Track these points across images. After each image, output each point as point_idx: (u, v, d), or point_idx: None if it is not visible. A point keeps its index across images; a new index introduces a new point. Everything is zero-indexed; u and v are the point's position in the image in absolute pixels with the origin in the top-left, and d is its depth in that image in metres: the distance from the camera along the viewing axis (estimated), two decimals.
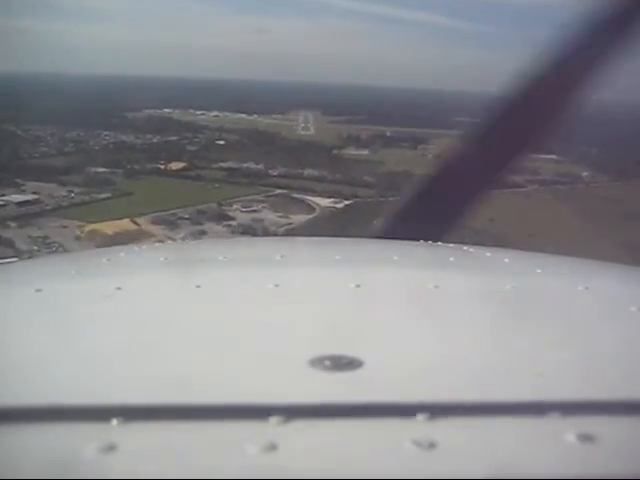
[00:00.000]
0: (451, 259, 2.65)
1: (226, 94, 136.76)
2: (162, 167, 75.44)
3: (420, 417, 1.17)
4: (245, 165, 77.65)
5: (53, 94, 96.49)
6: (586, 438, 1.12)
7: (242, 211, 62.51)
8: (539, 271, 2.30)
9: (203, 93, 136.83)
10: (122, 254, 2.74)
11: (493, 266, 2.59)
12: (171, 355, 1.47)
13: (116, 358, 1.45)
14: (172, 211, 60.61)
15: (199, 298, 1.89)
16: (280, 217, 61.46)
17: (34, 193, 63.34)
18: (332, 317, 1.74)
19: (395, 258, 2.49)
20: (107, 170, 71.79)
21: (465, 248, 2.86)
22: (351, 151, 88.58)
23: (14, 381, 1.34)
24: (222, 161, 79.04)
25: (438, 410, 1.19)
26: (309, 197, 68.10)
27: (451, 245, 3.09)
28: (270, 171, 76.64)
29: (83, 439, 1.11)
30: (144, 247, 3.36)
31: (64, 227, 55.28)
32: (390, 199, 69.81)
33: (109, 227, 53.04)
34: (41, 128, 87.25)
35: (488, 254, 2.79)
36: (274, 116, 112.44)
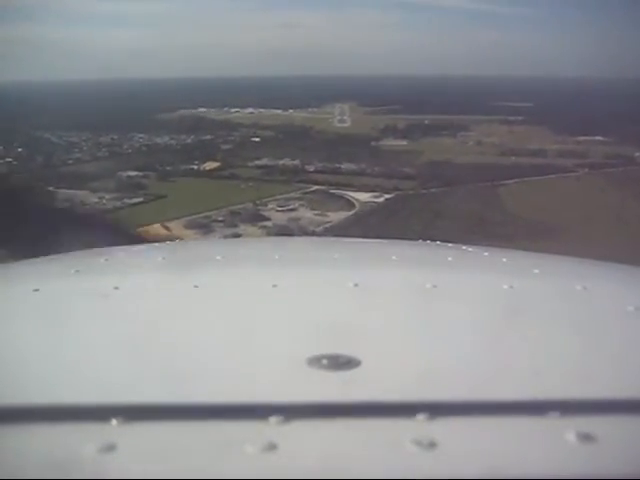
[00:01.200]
0: (449, 259, 2.59)
1: (260, 91, 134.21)
2: (196, 168, 72.14)
3: (420, 417, 1.16)
4: (281, 162, 74.01)
5: (88, 100, 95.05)
6: (586, 438, 1.11)
7: (278, 210, 58.72)
8: (537, 271, 2.24)
9: (237, 91, 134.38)
10: (120, 254, 2.71)
11: (491, 266, 2.54)
12: (170, 355, 1.47)
13: (115, 358, 1.46)
14: (206, 213, 57.26)
15: (197, 298, 1.87)
16: (318, 215, 57.58)
17: (66, 201, 60.47)
18: (330, 316, 1.73)
19: (393, 258, 2.46)
20: (140, 174, 68.84)
21: (464, 248, 2.85)
22: (389, 142, 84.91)
23: (13, 381, 1.34)
24: (257, 159, 75.60)
25: (438, 410, 1.18)
26: (348, 192, 63.99)
27: (450, 245, 3.04)
28: (307, 167, 72.85)
29: (83, 439, 1.10)
30: (142, 247, 3.10)
31: None
32: (432, 190, 66.45)
33: (140, 234, 49.56)
34: (76, 134, 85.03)
35: (486, 254, 2.75)
36: (309, 110, 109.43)
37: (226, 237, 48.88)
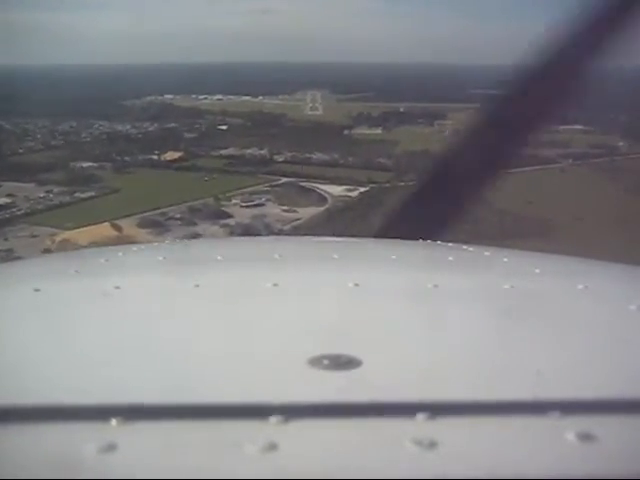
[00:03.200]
0: (450, 258, 2.57)
1: (231, 77, 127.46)
2: (156, 158, 65.08)
3: (420, 417, 1.15)
4: (248, 151, 67.39)
5: (49, 85, 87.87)
6: (586, 438, 1.10)
7: (242, 206, 52.18)
8: (538, 270, 2.22)
9: (207, 77, 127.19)
10: (121, 253, 2.67)
11: (492, 265, 2.52)
12: (170, 355, 1.45)
13: (115, 358, 1.44)
14: (162, 210, 50.60)
15: (198, 298, 1.85)
16: (286, 211, 51.19)
17: (8, 196, 53.23)
18: (331, 316, 1.72)
19: (394, 257, 2.44)
20: (94, 164, 61.82)
21: (464, 247, 2.84)
22: (363, 130, 79.10)
23: (13, 381, 1.32)
24: (223, 148, 68.97)
25: (438, 409, 1.17)
26: (319, 185, 57.50)
27: (450, 244, 3.04)
28: (276, 157, 66.27)
29: (83, 439, 1.08)
30: (143, 246, 3.05)
31: (34, 237, 45.63)
32: (410, 183, 59.95)
33: (84, 235, 42.81)
34: (32, 121, 77.77)
35: (487, 253, 2.74)
36: (281, 97, 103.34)
37: (183, 238, 42.28)
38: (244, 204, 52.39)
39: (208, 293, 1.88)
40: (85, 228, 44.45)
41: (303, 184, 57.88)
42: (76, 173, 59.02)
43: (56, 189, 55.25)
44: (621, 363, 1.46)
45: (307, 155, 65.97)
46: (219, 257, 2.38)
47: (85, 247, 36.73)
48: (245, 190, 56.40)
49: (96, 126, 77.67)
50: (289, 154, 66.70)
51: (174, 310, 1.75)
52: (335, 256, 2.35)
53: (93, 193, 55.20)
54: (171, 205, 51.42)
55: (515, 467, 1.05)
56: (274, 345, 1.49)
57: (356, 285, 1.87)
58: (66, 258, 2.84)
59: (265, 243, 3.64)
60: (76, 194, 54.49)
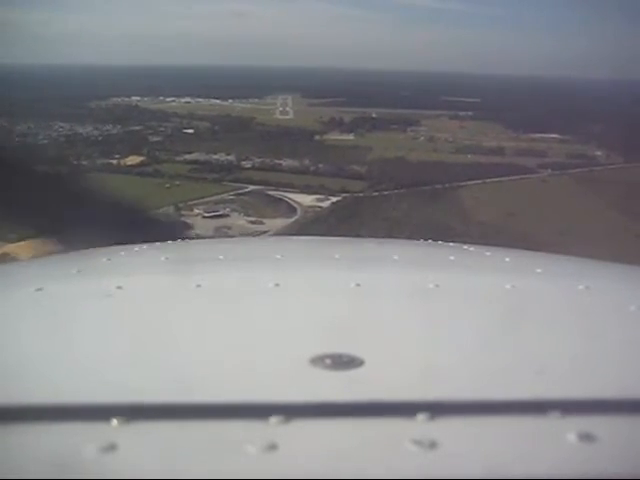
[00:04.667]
0: (451, 258, 2.53)
1: (201, 80, 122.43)
2: (115, 162, 59.75)
3: (420, 417, 1.14)
4: (214, 157, 62.66)
5: (8, 85, 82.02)
6: (586, 438, 1.09)
7: (205, 216, 47.13)
8: (539, 270, 2.19)
9: (177, 80, 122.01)
10: (123, 253, 2.62)
11: (493, 265, 2.48)
12: (171, 355, 1.44)
13: (116, 358, 1.43)
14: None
15: (199, 298, 1.83)
16: (252, 223, 46.30)
17: None
18: (332, 316, 1.69)
19: (395, 257, 2.40)
20: (47, 169, 56.12)
21: (465, 247, 2.81)
22: (335, 136, 75.18)
23: (15, 380, 1.31)
24: (188, 153, 64.06)
25: (438, 410, 1.16)
26: (288, 194, 52.79)
27: (451, 244, 3.00)
28: (243, 163, 61.60)
29: (83, 439, 1.08)
30: (145, 246, 2.89)
31: None
32: (385, 193, 55.93)
33: (25, 248, 37.21)
34: None
35: (488, 253, 2.69)
36: (251, 100, 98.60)
37: None
38: (207, 214, 47.51)
39: (209, 293, 1.85)
40: (28, 241, 39.24)
41: (271, 193, 53.38)
42: None
43: None
44: (621, 363, 1.44)
45: (276, 161, 61.55)
46: (221, 257, 2.36)
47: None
48: (209, 199, 51.59)
49: (56, 128, 72.11)
50: (257, 160, 62.19)
51: (176, 310, 1.72)
52: (336, 256, 2.33)
53: None
54: None
55: (516, 467, 1.03)
56: (275, 345, 1.47)
57: (357, 285, 1.84)
58: (68, 258, 2.75)
59: (266, 243, 3.67)
60: None
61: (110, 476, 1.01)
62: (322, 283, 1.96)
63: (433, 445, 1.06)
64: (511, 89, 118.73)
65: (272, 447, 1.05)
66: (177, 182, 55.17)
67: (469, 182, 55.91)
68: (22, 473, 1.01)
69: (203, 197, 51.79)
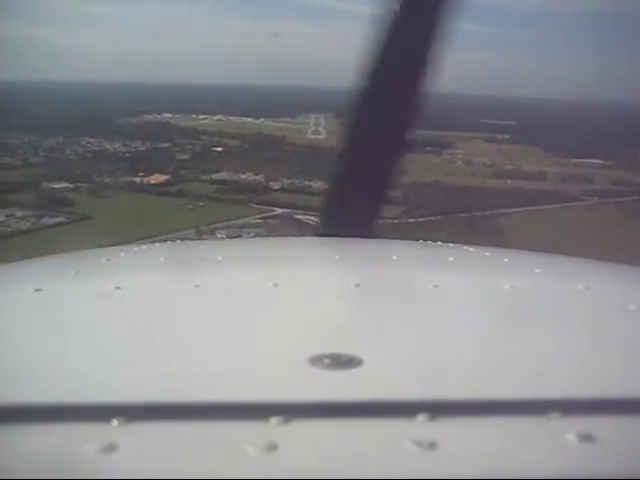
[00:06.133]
0: (450, 259, 2.50)
1: (234, 99, 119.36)
2: (139, 181, 56.15)
3: (420, 417, 1.13)
4: (242, 176, 58.76)
5: (41, 101, 79.81)
6: (586, 438, 1.08)
7: None
8: (538, 271, 2.16)
9: (210, 98, 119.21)
10: (122, 254, 2.58)
11: (493, 266, 2.44)
12: (171, 355, 1.43)
13: (116, 358, 1.42)
14: (132, 244, 41.32)
15: (198, 298, 1.82)
16: None
17: None
18: (332, 316, 1.69)
19: (394, 257, 2.38)
20: (70, 185, 52.88)
21: (465, 247, 2.73)
22: None
23: (14, 381, 1.30)
24: (215, 172, 60.24)
25: (438, 410, 1.15)
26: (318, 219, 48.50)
27: (451, 245, 2.93)
28: (271, 184, 57.48)
29: (83, 439, 1.07)
30: (144, 247, 2.90)
31: None
32: (421, 220, 51.85)
33: None
34: (17, 135, 69.33)
35: (487, 254, 2.64)
36: (282, 119, 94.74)
37: None
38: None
39: (208, 293, 1.83)
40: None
41: (299, 217, 49.12)
42: (48, 194, 50.33)
43: (19, 213, 46.45)
44: (621, 363, 1.42)
45: (306, 183, 57.40)
46: (219, 257, 2.31)
47: None
48: (234, 222, 47.70)
49: (83, 143, 69.18)
50: (287, 181, 58.26)
51: (174, 310, 1.71)
52: (336, 256, 2.31)
53: (62, 219, 46.48)
54: (144, 238, 42.69)
55: (515, 467, 1.02)
56: (275, 344, 1.46)
57: (357, 285, 1.83)
58: (67, 258, 2.68)
59: (265, 243, 3.65)
60: (45, 219, 45.72)
61: (110, 476, 0.99)
62: (321, 283, 1.91)
63: (433, 445, 1.04)
64: (547, 112, 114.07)
65: (272, 447, 1.03)
66: (201, 203, 51.46)
67: (510, 210, 51.48)
68: (22, 473, 1.00)
69: (228, 220, 47.98)
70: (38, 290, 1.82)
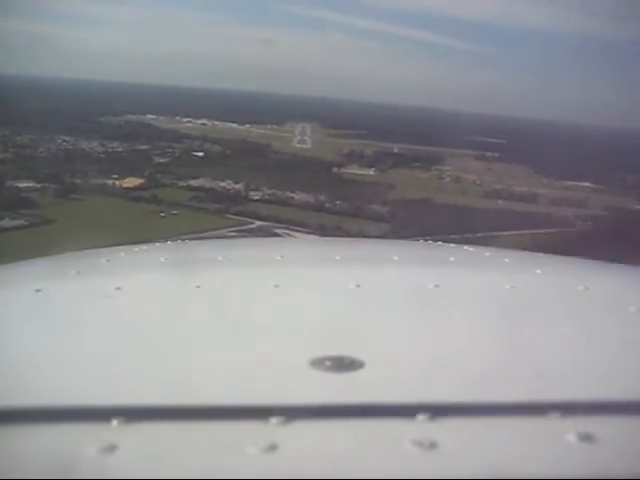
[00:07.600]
0: (451, 259, 2.46)
1: (221, 103, 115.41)
2: (111, 183, 51.78)
3: (420, 417, 1.12)
4: (221, 184, 54.67)
5: (19, 96, 75.19)
6: (587, 438, 1.07)
7: None
8: (539, 271, 2.16)
9: (196, 101, 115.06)
10: (122, 254, 2.56)
11: (493, 266, 2.42)
12: (171, 356, 1.42)
13: (116, 358, 1.41)
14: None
15: (199, 298, 1.81)
16: None
17: None
18: (333, 318, 1.67)
19: (395, 258, 2.34)
20: (36, 185, 48.34)
21: (465, 248, 2.69)
22: (354, 170, 67.10)
23: (15, 381, 1.30)
24: (193, 178, 55.93)
25: (438, 410, 1.14)
26: (299, 234, 44.43)
27: (451, 245, 2.85)
28: (252, 193, 53.45)
29: (84, 439, 1.06)
30: (144, 247, 2.86)
31: None
32: (409, 239, 47.98)
33: None
34: None
35: (488, 254, 2.61)
36: (268, 127, 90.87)
37: None
38: None
39: (209, 294, 1.81)
40: None
41: (279, 231, 45.05)
42: (10, 194, 45.89)
43: None
44: (621, 364, 1.41)
45: (289, 194, 53.43)
46: (220, 258, 2.28)
47: None
48: (207, 234, 43.44)
49: (59, 141, 64.68)
50: (268, 191, 54.36)
51: (175, 311, 1.69)
52: (337, 257, 2.26)
53: (22, 221, 42.11)
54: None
55: (516, 467, 1.01)
56: (276, 346, 1.44)
57: (358, 286, 1.80)
58: (67, 259, 2.65)
59: (266, 244, 3.53)
60: (2, 222, 41.30)
61: (110, 476, 0.99)
62: (322, 284, 1.89)
63: (433, 446, 1.03)
64: (537, 133, 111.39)
65: (273, 448, 1.02)
66: (174, 211, 47.43)
67: (503, 233, 47.75)
68: (22, 473, 0.99)
69: (201, 231, 43.75)
70: (38, 291, 1.80)
